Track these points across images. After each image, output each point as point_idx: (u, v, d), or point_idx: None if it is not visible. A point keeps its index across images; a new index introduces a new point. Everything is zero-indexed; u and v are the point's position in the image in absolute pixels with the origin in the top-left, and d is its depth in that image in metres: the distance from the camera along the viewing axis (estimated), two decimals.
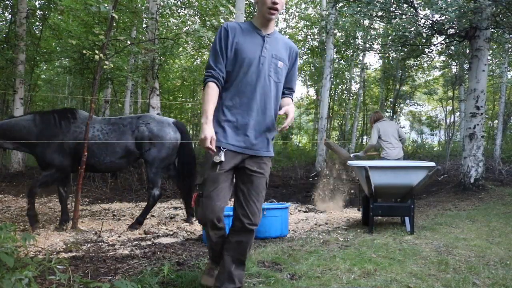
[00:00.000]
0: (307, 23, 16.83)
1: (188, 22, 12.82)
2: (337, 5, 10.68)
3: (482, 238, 4.01)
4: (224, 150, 2.18)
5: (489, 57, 9.70)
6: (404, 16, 8.11)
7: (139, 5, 10.57)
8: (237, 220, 2.27)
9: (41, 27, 10.96)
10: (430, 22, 7.89)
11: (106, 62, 4.73)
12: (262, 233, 4.13)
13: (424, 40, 9.01)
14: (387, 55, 13.24)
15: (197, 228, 4.63)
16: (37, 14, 10.37)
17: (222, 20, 9.08)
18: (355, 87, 17.48)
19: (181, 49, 11.96)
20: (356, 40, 13.18)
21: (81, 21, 9.67)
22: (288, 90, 2.45)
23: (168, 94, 16.53)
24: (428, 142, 20.52)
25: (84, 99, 13.53)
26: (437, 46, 9.87)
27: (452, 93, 15.06)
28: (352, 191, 7.71)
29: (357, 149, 15.82)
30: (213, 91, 2.18)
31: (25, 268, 2.16)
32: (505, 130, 15.22)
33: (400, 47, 9.53)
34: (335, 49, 13.37)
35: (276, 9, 2.22)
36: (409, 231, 4.26)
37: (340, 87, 17.12)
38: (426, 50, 10.00)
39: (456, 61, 12.71)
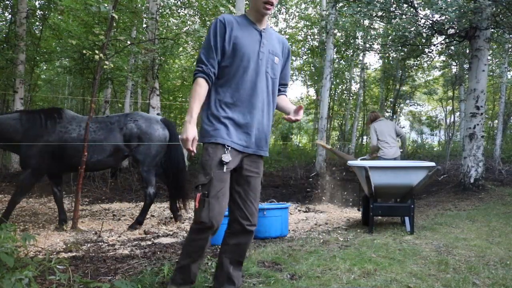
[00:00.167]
0: (307, 23, 16.83)
1: (188, 22, 12.83)
2: (337, 5, 10.68)
3: (482, 238, 4.01)
4: (229, 148, 2.12)
5: (489, 57, 9.70)
6: (404, 16, 8.11)
7: (139, 5, 10.56)
8: (235, 223, 2.23)
9: (41, 27, 10.96)
10: (430, 22, 7.89)
11: (106, 62, 4.73)
12: (262, 233, 4.14)
13: (424, 40, 9.01)
14: (387, 55, 13.24)
15: None
16: (37, 14, 10.37)
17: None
18: (355, 87, 17.49)
19: (181, 49, 11.96)
20: (356, 40, 13.18)
21: (81, 21, 9.67)
22: (283, 86, 2.42)
23: (168, 94, 16.53)
24: (428, 142, 20.53)
25: (84, 99, 13.53)
26: (437, 46, 9.87)
27: (452, 93, 15.06)
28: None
29: (357, 149, 15.84)
30: (201, 88, 2.10)
31: (25, 268, 2.16)
32: (505, 130, 15.22)
33: (400, 47, 9.53)
34: (335, 49, 13.37)
35: (272, 4, 2.15)
36: (409, 231, 4.26)
37: (340, 87, 17.13)
38: (426, 50, 10.01)
39: (456, 61, 12.71)
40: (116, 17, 5.12)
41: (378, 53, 12.58)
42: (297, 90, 51.79)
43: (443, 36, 8.72)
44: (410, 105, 18.70)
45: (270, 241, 3.99)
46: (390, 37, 9.31)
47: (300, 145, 20.76)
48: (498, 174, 9.59)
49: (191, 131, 2.03)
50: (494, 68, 15.01)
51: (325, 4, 12.96)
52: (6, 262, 2.12)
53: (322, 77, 12.24)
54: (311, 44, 17.14)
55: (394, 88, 15.60)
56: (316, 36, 16.67)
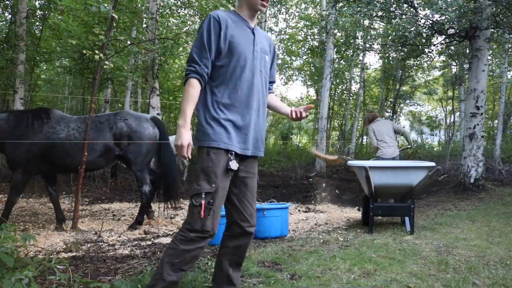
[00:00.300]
0: (307, 23, 16.83)
1: (188, 22, 12.83)
2: (337, 5, 10.69)
3: (482, 238, 4.01)
4: (233, 153, 2.04)
5: (489, 57, 9.70)
6: (404, 16, 8.11)
7: (139, 5, 10.56)
8: (234, 225, 2.17)
9: (41, 27, 10.96)
10: (430, 22, 7.89)
11: (106, 62, 4.73)
12: (262, 233, 4.14)
13: (424, 40, 9.01)
14: (387, 55, 13.24)
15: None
16: (37, 14, 10.36)
17: None
18: (355, 87, 17.50)
19: (181, 49, 11.96)
20: (356, 40, 13.19)
21: (81, 21, 9.66)
22: (270, 84, 2.38)
23: (168, 94, 16.53)
24: (428, 142, 20.54)
25: (84, 99, 13.53)
26: (437, 46, 9.87)
27: (452, 93, 15.07)
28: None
29: (357, 149, 15.84)
30: (194, 90, 2.00)
31: (25, 268, 2.16)
32: (505, 130, 15.22)
33: (400, 47, 9.53)
34: (335, 49, 13.38)
35: (268, 0, 2.12)
36: (409, 231, 4.26)
37: (340, 87, 17.13)
38: (426, 50, 10.01)
39: (456, 61, 12.71)
40: (116, 17, 5.12)
41: (378, 53, 12.58)
42: (297, 90, 51.75)
43: (443, 36, 8.72)
44: (410, 105, 18.71)
45: (270, 241, 3.99)
46: (390, 37, 9.31)
47: (300, 145, 20.76)
48: (498, 174, 9.60)
49: (186, 137, 1.95)
50: (494, 68, 15.01)
51: (325, 4, 12.97)
52: (6, 262, 2.12)
53: (322, 77, 12.24)
54: (311, 44, 17.14)
55: (394, 88, 15.60)
56: (316, 36, 16.67)
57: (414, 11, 8.02)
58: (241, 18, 2.14)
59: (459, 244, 3.73)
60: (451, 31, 8.12)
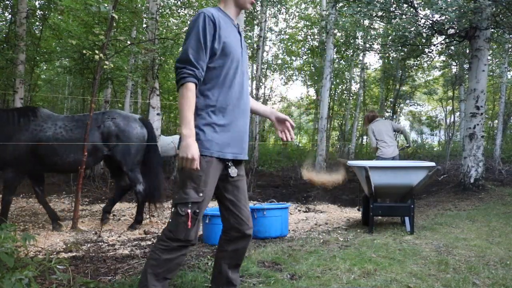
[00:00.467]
0: (307, 23, 16.83)
1: (188, 22, 12.82)
2: (337, 5, 10.67)
3: (482, 238, 4.01)
4: (230, 160, 2.00)
5: (489, 57, 9.70)
6: (404, 16, 8.11)
7: (139, 5, 10.56)
8: (232, 230, 2.11)
9: (41, 27, 10.95)
10: (430, 22, 7.89)
11: (106, 62, 4.73)
12: (262, 233, 4.14)
13: (424, 40, 9.01)
14: (387, 55, 13.23)
15: None
16: (37, 14, 10.36)
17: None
18: (355, 87, 17.49)
19: (181, 49, 11.93)
20: (356, 40, 13.18)
21: (81, 21, 9.66)
22: None
23: (168, 94, 16.52)
24: (428, 142, 20.54)
25: (84, 99, 13.52)
26: (437, 46, 9.87)
27: (452, 93, 15.06)
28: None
29: (357, 149, 15.84)
30: (193, 95, 1.86)
31: (25, 268, 2.16)
32: (505, 130, 15.22)
33: (400, 47, 9.53)
34: (335, 49, 13.37)
35: None
36: (409, 231, 4.26)
37: (340, 87, 17.12)
38: (426, 50, 10.00)
39: (456, 61, 12.71)
40: (116, 17, 5.12)
41: (378, 53, 12.57)
42: (297, 90, 51.73)
43: (443, 36, 8.72)
44: (410, 105, 18.71)
45: (270, 241, 3.99)
46: (390, 37, 9.31)
47: (300, 145, 20.76)
48: (498, 174, 9.60)
49: (195, 148, 1.81)
50: (494, 68, 15.01)
51: (325, 4, 12.96)
52: (6, 262, 2.12)
53: (322, 77, 12.24)
54: (311, 44, 17.13)
55: (394, 88, 15.60)
56: (316, 36, 16.66)
57: (414, 11, 8.02)
58: (228, 16, 2.05)
59: (459, 244, 3.73)
60: (451, 31, 8.12)
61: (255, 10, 13.83)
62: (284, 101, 20.66)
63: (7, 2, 11.29)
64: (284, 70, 18.31)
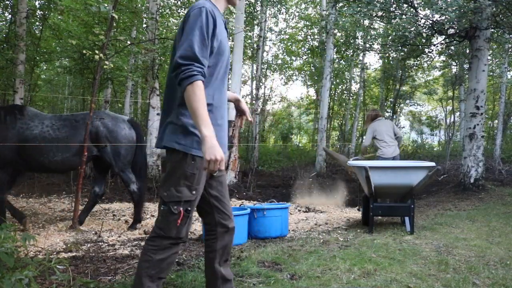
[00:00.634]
0: (307, 23, 16.83)
1: None
2: (337, 5, 10.68)
3: (482, 238, 4.01)
4: None
5: (489, 57, 9.70)
6: (404, 16, 8.11)
7: (139, 5, 10.56)
8: (218, 226, 2.09)
9: (41, 27, 10.95)
10: (430, 22, 7.89)
11: (106, 62, 4.72)
12: (262, 233, 4.14)
13: (424, 40, 9.01)
14: (387, 55, 13.23)
15: (196, 228, 4.63)
16: (37, 14, 10.35)
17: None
18: (355, 87, 17.49)
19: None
20: (356, 40, 13.19)
21: (81, 21, 9.66)
22: None
23: None
24: (428, 142, 20.53)
25: (84, 99, 13.53)
26: (437, 46, 9.87)
27: (452, 93, 15.06)
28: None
29: (357, 149, 15.83)
30: (203, 93, 1.79)
31: (25, 268, 2.16)
32: (505, 130, 15.22)
33: (400, 47, 9.53)
34: (335, 49, 13.38)
35: None
36: (409, 231, 4.26)
37: (340, 87, 17.13)
38: (426, 50, 10.00)
39: (456, 61, 12.71)
40: (116, 17, 5.12)
41: (378, 53, 12.58)
42: (297, 90, 51.74)
43: (443, 36, 8.72)
44: (410, 105, 18.70)
45: (270, 241, 3.99)
46: (390, 37, 9.31)
47: (300, 145, 20.76)
48: (498, 174, 9.60)
49: (219, 149, 1.75)
50: (494, 68, 15.01)
51: (325, 4, 12.97)
52: (6, 262, 2.12)
53: (322, 77, 12.25)
54: (311, 44, 17.14)
55: (394, 88, 15.59)
56: (316, 36, 16.67)
57: (414, 11, 8.02)
58: (218, 11, 1.99)
59: (459, 244, 3.73)
60: (451, 31, 8.12)
61: (255, 10, 13.84)
62: (284, 101, 20.66)
63: (7, 2, 11.29)
64: (284, 70, 18.31)
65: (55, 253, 3.48)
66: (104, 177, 4.96)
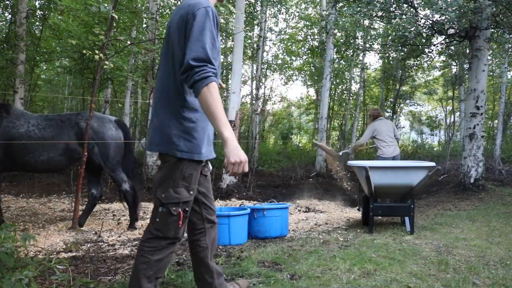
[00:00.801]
0: (307, 23, 16.83)
1: None
2: (337, 5, 10.69)
3: (482, 238, 4.01)
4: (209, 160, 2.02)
5: (489, 57, 9.70)
6: (404, 16, 8.11)
7: (139, 5, 10.57)
8: (205, 222, 2.10)
9: (41, 27, 10.95)
10: (430, 22, 7.89)
11: (106, 62, 4.72)
12: (262, 233, 4.14)
13: (424, 40, 9.01)
14: (387, 55, 13.24)
15: None
16: (37, 14, 10.36)
17: (222, 20, 9.08)
18: (355, 87, 17.49)
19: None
20: (356, 40, 13.18)
21: (81, 21, 9.67)
22: None
23: None
24: (428, 142, 20.53)
25: (84, 99, 13.53)
26: (437, 46, 9.87)
27: (452, 93, 15.07)
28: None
29: (357, 149, 15.82)
30: (219, 94, 1.76)
31: (25, 268, 2.16)
32: (505, 130, 15.22)
33: (400, 47, 9.53)
34: (335, 49, 13.38)
35: None
36: (409, 231, 4.26)
37: (340, 87, 17.12)
38: (426, 50, 10.01)
39: (456, 61, 12.71)
40: (116, 17, 5.12)
41: (378, 53, 12.58)
42: (297, 90, 51.76)
43: (443, 36, 8.72)
44: (410, 105, 18.70)
45: (270, 241, 3.99)
46: (390, 37, 9.31)
47: (300, 145, 20.76)
48: (498, 174, 9.60)
49: (242, 151, 1.74)
50: (494, 68, 15.01)
51: (325, 4, 12.97)
52: (6, 262, 2.12)
53: (322, 77, 12.24)
54: (311, 44, 17.13)
55: (394, 88, 15.59)
56: (316, 36, 16.67)
57: (414, 11, 8.02)
58: None
59: (459, 244, 3.73)
60: (451, 31, 8.12)
61: (255, 10, 13.84)
62: (284, 101, 20.66)
63: (7, 2, 11.29)
64: (284, 70, 18.31)
65: (55, 253, 3.48)
66: (99, 178, 4.91)
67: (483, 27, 7.35)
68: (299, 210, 6.35)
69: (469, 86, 7.78)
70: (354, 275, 2.82)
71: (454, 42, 8.78)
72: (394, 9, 8.26)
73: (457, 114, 15.48)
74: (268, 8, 14.76)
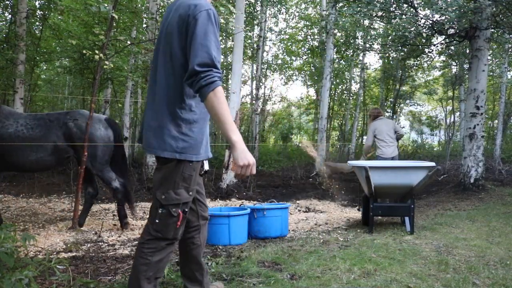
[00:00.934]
0: (307, 23, 16.83)
1: None
2: (337, 5, 10.69)
3: (482, 238, 4.01)
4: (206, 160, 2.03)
5: (489, 57, 9.70)
6: (404, 16, 8.11)
7: (139, 5, 10.57)
8: (199, 219, 2.14)
9: (41, 27, 10.95)
10: (430, 22, 7.90)
11: (106, 62, 4.72)
12: (262, 233, 4.14)
13: (424, 40, 9.01)
14: (387, 55, 13.24)
15: None
16: (37, 14, 10.36)
17: (222, 20, 9.08)
18: (355, 87, 17.49)
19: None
20: (356, 40, 13.18)
21: (81, 21, 9.67)
22: None
23: None
24: (428, 142, 20.54)
25: (84, 99, 13.52)
26: (437, 46, 9.87)
27: (452, 93, 15.07)
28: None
29: (357, 149, 15.83)
30: (225, 98, 1.76)
31: (25, 268, 2.16)
32: (505, 130, 15.22)
33: (400, 47, 9.53)
34: (335, 49, 13.38)
35: None
36: (409, 231, 4.26)
37: (340, 87, 17.12)
38: (426, 50, 10.01)
39: (456, 61, 12.71)
40: (116, 17, 5.12)
41: (378, 53, 12.59)
42: (297, 90, 51.77)
43: (443, 36, 8.73)
44: (410, 105, 18.70)
45: (270, 241, 3.99)
46: (390, 37, 9.32)
47: (300, 145, 20.75)
48: (498, 174, 9.60)
49: (250, 154, 1.74)
50: (494, 68, 15.01)
51: (325, 4, 12.97)
52: (6, 262, 2.12)
53: (322, 77, 12.24)
54: (311, 44, 17.13)
55: (394, 88, 15.59)
56: (316, 36, 16.67)
57: (414, 11, 8.02)
58: None
59: (459, 244, 3.73)
60: (451, 31, 8.12)
61: (255, 10, 13.84)
62: (284, 101, 20.66)
63: (7, 2, 11.29)
64: (284, 70, 18.31)
65: (55, 253, 3.48)
66: (93, 176, 4.84)
67: (483, 27, 7.35)
68: (299, 210, 6.35)
69: (469, 86, 7.78)
70: (354, 275, 2.82)
71: (454, 42, 8.78)
72: (394, 9, 8.27)
73: (457, 114, 15.48)
74: (268, 8, 14.76)
